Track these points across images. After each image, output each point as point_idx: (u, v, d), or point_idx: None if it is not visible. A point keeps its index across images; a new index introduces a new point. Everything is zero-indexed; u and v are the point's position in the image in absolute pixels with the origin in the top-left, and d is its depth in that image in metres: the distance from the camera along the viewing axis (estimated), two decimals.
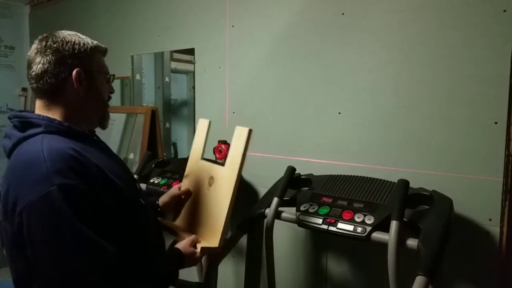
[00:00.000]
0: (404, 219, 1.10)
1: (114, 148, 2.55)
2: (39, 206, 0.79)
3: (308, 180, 1.47)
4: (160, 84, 2.60)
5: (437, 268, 1.00)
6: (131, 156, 2.41)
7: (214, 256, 1.37)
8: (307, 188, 1.43)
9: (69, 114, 0.98)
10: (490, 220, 1.24)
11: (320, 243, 1.66)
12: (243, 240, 1.52)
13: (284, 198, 1.38)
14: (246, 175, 1.88)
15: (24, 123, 0.93)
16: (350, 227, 1.16)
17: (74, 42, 0.99)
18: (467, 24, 1.25)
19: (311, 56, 1.61)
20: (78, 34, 1.04)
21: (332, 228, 1.18)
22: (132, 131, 2.45)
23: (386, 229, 1.10)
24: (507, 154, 1.19)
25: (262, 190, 1.79)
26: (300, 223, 1.26)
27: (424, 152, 1.35)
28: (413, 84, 1.36)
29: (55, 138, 0.91)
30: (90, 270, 0.83)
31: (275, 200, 1.35)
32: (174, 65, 2.57)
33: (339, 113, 1.55)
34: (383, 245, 1.09)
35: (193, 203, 1.27)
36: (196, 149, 1.35)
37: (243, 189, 1.54)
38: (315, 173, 1.59)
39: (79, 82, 0.97)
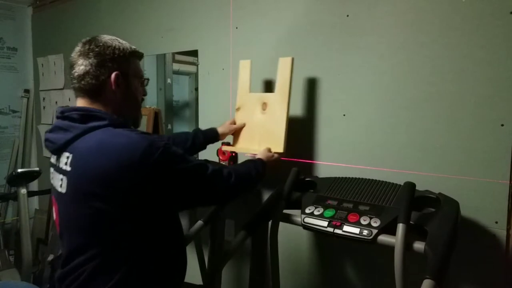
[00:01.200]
0: (410, 222, 1.09)
1: None
2: (164, 158, 0.95)
3: (313, 182, 1.46)
4: (162, 85, 2.60)
5: (444, 272, 0.99)
6: None
7: (217, 260, 1.36)
8: (312, 191, 1.42)
9: (109, 112, 1.06)
10: (496, 222, 1.23)
11: (326, 246, 1.66)
12: (248, 243, 1.51)
13: (289, 201, 1.37)
14: None
15: (87, 116, 1.01)
16: (356, 230, 1.15)
17: (114, 47, 1.09)
18: (472, 25, 1.24)
19: (315, 58, 1.61)
20: (118, 39, 1.14)
21: (337, 231, 1.17)
22: None
23: (392, 232, 1.09)
24: None
25: (266, 193, 1.79)
26: (305, 225, 1.25)
27: (430, 154, 1.34)
28: (418, 86, 1.35)
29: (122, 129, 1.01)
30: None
31: (280, 202, 1.35)
32: (176, 66, 2.57)
33: (344, 115, 1.54)
34: (390, 248, 1.08)
35: (249, 127, 1.64)
36: (243, 85, 1.69)
37: None
38: (320, 176, 1.59)
39: (117, 85, 1.06)
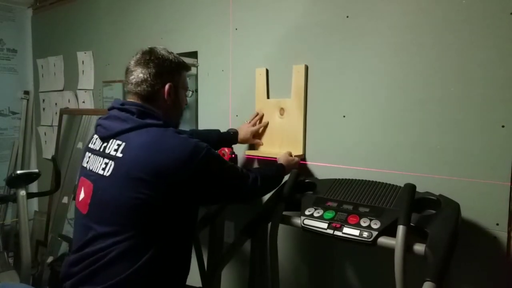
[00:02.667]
0: (411, 224, 1.09)
1: None
2: (206, 159, 1.09)
3: (313, 184, 1.45)
4: None
5: (445, 274, 0.98)
6: None
7: (217, 261, 1.36)
8: (311, 192, 1.41)
9: (161, 115, 1.18)
10: (497, 224, 1.22)
11: (325, 247, 1.65)
12: (247, 245, 1.50)
13: (289, 202, 1.37)
14: None
15: (144, 113, 1.14)
16: (356, 232, 1.14)
17: (171, 60, 1.21)
18: (473, 26, 1.24)
19: (315, 59, 1.60)
20: (171, 51, 1.26)
21: (337, 233, 1.16)
22: None
23: (392, 234, 1.08)
24: None
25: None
26: (304, 227, 1.24)
27: (430, 156, 1.33)
28: (419, 87, 1.35)
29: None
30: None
31: (280, 204, 1.34)
32: None
33: (344, 116, 1.53)
34: (390, 250, 1.07)
35: (269, 132, 1.76)
36: (260, 91, 1.78)
37: None
38: (320, 177, 1.58)
39: (168, 94, 1.20)
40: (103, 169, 1.10)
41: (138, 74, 1.17)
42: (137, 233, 1.04)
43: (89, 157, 1.19)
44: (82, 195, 1.16)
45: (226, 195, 1.24)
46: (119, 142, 1.10)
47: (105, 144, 1.14)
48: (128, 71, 1.20)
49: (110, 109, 1.20)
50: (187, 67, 1.29)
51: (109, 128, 1.14)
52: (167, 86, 1.19)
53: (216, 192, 1.19)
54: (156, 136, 1.08)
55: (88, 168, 1.17)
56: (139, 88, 1.17)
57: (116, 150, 1.09)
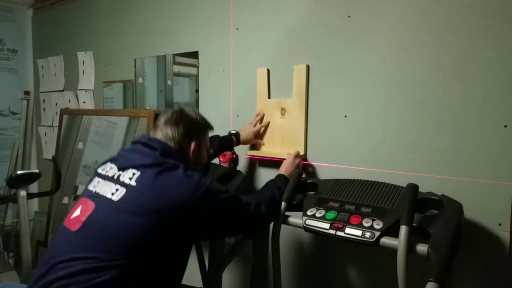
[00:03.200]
0: (413, 224, 1.08)
1: (116, 151, 2.54)
2: (208, 193, 1.11)
3: (315, 184, 1.45)
4: (163, 87, 2.60)
5: (447, 274, 0.98)
6: None
7: (218, 262, 1.35)
8: (313, 193, 1.41)
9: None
10: (499, 225, 1.22)
11: (328, 248, 1.64)
12: (249, 245, 1.50)
13: (291, 203, 1.36)
14: (251, 179, 1.87)
15: (168, 152, 1.18)
16: (358, 232, 1.14)
17: (198, 121, 1.29)
18: (475, 26, 1.23)
19: (316, 59, 1.60)
20: (199, 113, 1.32)
21: (340, 233, 1.16)
22: (134, 135, 2.44)
23: (395, 234, 1.08)
24: None
25: None
26: (307, 228, 1.24)
27: (432, 156, 1.33)
28: (421, 87, 1.35)
29: None
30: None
31: (282, 204, 1.34)
32: (176, 68, 2.57)
33: (345, 116, 1.53)
34: (392, 250, 1.07)
35: (270, 132, 1.77)
36: (261, 92, 1.79)
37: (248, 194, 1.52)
38: (321, 178, 1.58)
39: (193, 152, 1.26)
40: (112, 194, 1.10)
41: (168, 131, 1.23)
42: (129, 262, 1.02)
43: (98, 182, 1.19)
44: (76, 213, 1.13)
45: (228, 227, 1.23)
46: (134, 171, 1.12)
47: (120, 173, 1.15)
48: (157, 128, 1.25)
49: (134, 143, 1.25)
50: (211, 127, 1.36)
51: (130, 160, 1.17)
52: (193, 144, 1.25)
53: (219, 225, 1.19)
54: (168, 173, 1.11)
55: (94, 191, 1.16)
56: (168, 143, 1.22)
57: (130, 179, 1.10)
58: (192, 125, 1.26)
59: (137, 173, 1.11)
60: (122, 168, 1.16)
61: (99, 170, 1.24)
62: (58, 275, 1.01)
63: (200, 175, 1.14)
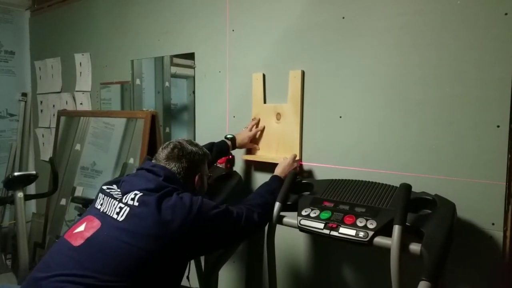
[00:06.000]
0: (406, 224, 1.09)
1: (114, 153, 2.55)
2: (201, 210, 1.14)
3: (309, 184, 1.46)
4: (160, 88, 2.60)
5: (440, 273, 0.99)
6: (131, 161, 2.41)
7: (214, 262, 1.36)
8: (308, 193, 1.42)
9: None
10: (493, 224, 1.23)
11: (322, 247, 1.65)
12: (244, 245, 1.50)
13: (286, 203, 1.37)
14: (247, 180, 1.87)
15: (171, 179, 1.23)
16: (352, 232, 1.14)
17: (199, 154, 1.33)
18: (468, 27, 1.24)
19: (312, 61, 1.61)
20: (196, 143, 1.37)
21: (334, 233, 1.17)
22: (132, 136, 2.44)
23: (388, 234, 1.09)
24: (510, 158, 1.18)
25: None
26: (301, 228, 1.25)
27: (426, 156, 1.34)
28: (414, 88, 1.35)
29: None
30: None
31: (277, 204, 1.34)
32: (174, 70, 2.57)
33: (340, 117, 1.54)
34: (386, 250, 1.08)
35: (266, 136, 1.77)
36: (257, 96, 1.79)
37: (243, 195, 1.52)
38: (316, 178, 1.58)
39: (197, 183, 1.32)
40: (117, 213, 1.13)
41: (172, 167, 1.27)
42: (128, 284, 1.04)
43: (103, 199, 1.22)
44: (80, 228, 1.15)
45: (223, 240, 1.27)
46: (137, 192, 1.16)
47: (124, 196, 1.18)
48: (155, 163, 1.28)
49: (139, 169, 1.29)
50: (208, 158, 1.40)
51: (133, 184, 1.20)
52: (197, 177, 1.32)
53: (214, 240, 1.22)
54: (166, 198, 1.15)
55: (101, 210, 1.19)
56: (173, 177, 1.25)
57: (133, 200, 1.14)
58: (194, 159, 1.31)
59: (139, 194, 1.15)
60: (125, 193, 1.18)
61: (105, 188, 1.27)
62: None
63: (191, 195, 1.17)
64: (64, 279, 1.02)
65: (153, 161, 1.31)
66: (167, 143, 1.33)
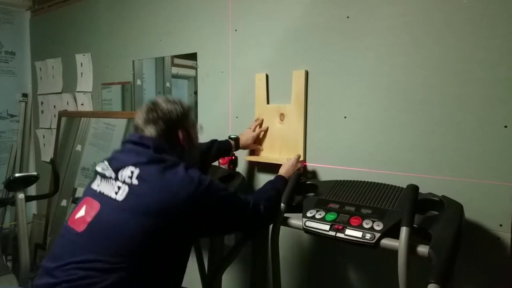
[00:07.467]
0: (414, 225, 1.07)
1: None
2: (209, 190, 1.12)
3: (314, 185, 1.44)
4: (161, 89, 2.59)
5: (449, 276, 0.97)
6: None
7: (217, 265, 1.35)
8: (313, 194, 1.40)
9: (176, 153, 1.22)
10: (500, 225, 1.21)
11: (327, 249, 1.64)
12: (248, 247, 1.49)
13: (290, 204, 1.36)
14: (250, 181, 1.86)
15: (160, 148, 1.17)
16: (358, 234, 1.13)
17: (176, 110, 1.24)
18: (474, 26, 1.23)
19: (315, 61, 1.59)
20: (173, 99, 1.27)
21: (340, 235, 1.15)
22: None
23: (395, 236, 1.07)
24: None
25: None
26: (306, 229, 1.23)
27: (432, 157, 1.32)
28: (420, 88, 1.34)
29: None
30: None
31: (281, 206, 1.33)
32: (175, 70, 2.56)
33: (345, 117, 1.53)
34: (393, 252, 1.06)
35: (269, 137, 1.76)
36: (260, 97, 1.78)
37: None
38: (321, 179, 1.57)
39: (183, 139, 1.24)
40: (116, 192, 1.10)
41: (151, 131, 1.20)
42: (132, 264, 1.03)
43: (100, 180, 1.19)
44: (81, 213, 1.13)
45: (227, 225, 1.25)
46: (132, 169, 1.11)
47: (117, 172, 1.14)
48: (138, 129, 1.22)
49: (124, 142, 1.23)
50: (191, 108, 1.33)
51: (124, 161, 1.15)
52: (180, 134, 1.24)
53: (219, 222, 1.20)
54: (170, 171, 1.11)
55: (98, 191, 1.16)
56: (156, 143, 1.19)
57: (130, 177, 1.10)
58: (171, 117, 1.22)
59: (136, 171, 1.10)
60: (117, 169, 1.14)
61: (98, 169, 1.23)
62: (63, 278, 1.02)
63: (200, 173, 1.14)
64: (76, 266, 1.02)
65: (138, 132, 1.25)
66: (144, 104, 1.26)
